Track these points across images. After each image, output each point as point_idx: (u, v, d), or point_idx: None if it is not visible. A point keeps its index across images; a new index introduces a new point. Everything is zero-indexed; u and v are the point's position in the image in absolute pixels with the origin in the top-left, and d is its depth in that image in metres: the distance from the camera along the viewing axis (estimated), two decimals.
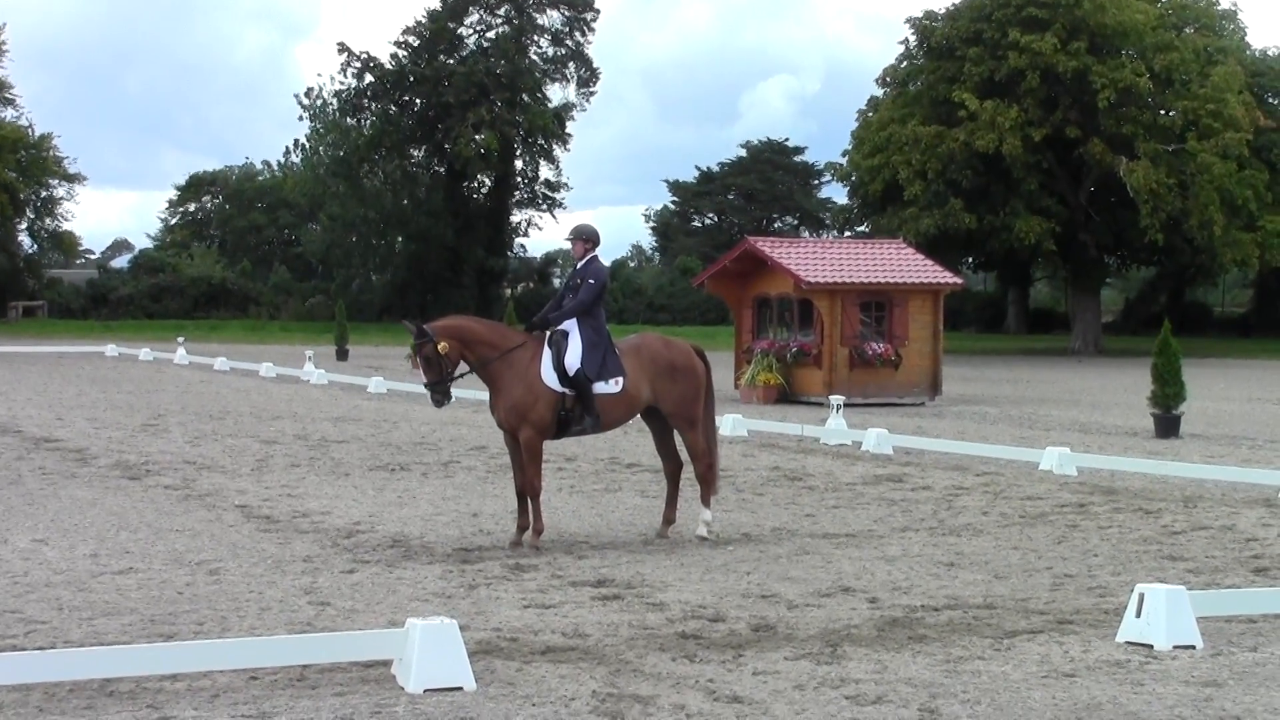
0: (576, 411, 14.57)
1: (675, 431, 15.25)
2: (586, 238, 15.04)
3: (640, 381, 14.81)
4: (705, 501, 15.14)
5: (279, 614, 11.22)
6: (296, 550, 13.98)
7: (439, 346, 14.38)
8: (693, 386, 15.06)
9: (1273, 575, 13.36)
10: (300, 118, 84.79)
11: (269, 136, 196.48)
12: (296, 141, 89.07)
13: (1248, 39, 75.43)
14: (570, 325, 14.65)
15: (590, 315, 14.67)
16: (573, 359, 14.46)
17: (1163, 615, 10.35)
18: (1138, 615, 10.48)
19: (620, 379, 14.65)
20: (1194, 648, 10.33)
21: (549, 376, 14.48)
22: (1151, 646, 10.30)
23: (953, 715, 8.63)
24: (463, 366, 14.68)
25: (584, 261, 14.94)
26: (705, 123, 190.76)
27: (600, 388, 14.56)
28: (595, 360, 14.52)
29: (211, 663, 9.13)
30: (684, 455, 15.39)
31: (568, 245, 15.56)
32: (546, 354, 14.56)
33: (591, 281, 14.75)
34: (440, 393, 14.61)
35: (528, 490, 14.51)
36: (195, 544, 14.24)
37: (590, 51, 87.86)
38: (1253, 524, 16.39)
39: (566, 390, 14.50)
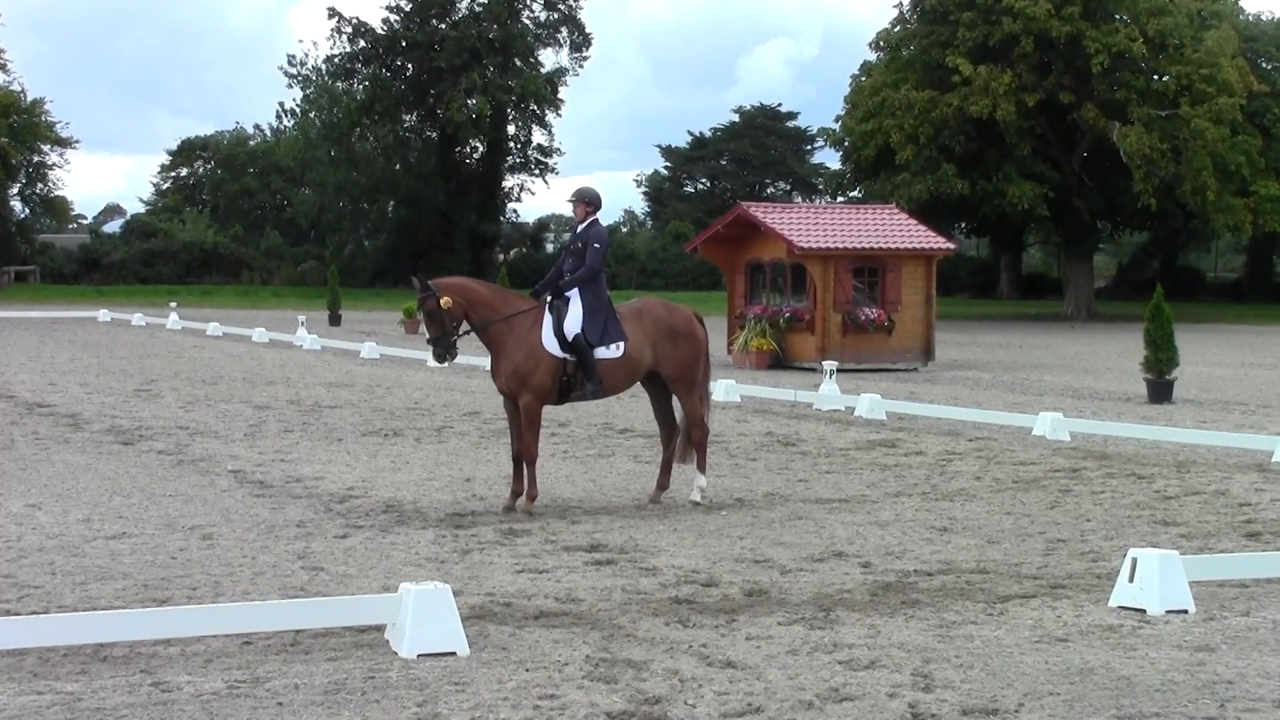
0: (578, 377, 14.55)
1: (672, 396, 15.25)
2: (588, 200, 14.99)
3: (642, 346, 14.78)
4: (700, 467, 15.13)
5: (272, 579, 11.21)
6: (290, 515, 13.97)
7: (442, 301, 14.33)
8: (693, 351, 15.04)
9: (1265, 540, 13.37)
10: (288, 85, 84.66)
11: (262, 102, 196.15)
12: (283, 105, 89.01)
13: (1241, 4, 75.42)
14: (571, 291, 14.61)
15: (593, 280, 14.64)
16: (572, 324, 14.43)
17: (1155, 580, 10.35)
18: (1130, 580, 10.48)
19: (621, 344, 14.62)
20: (1186, 612, 10.34)
21: (550, 342, 14.44)
22: (1144, 611, 10.31)
23: (945, 680, 8.63)
24: (465, 325, 14.63)
25: (585, 224, 14.89)
26: (701, 88, 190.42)
27: (601, 353, 14.53)
28: (596, 325, 14.48)
29: (205, 628, 9.12)
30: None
31: (568, 208, 15.50)
32: (548, 319, 14.52)
33: (597, 245, 14.69)
34: (442, 348, 14.54)
35: (525, 456, 14.48)
36: (188, 509, 14.23)
37: (583, 16, 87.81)
38: (1245, 489, 16.41)
39: (567, 356, 14.47)
